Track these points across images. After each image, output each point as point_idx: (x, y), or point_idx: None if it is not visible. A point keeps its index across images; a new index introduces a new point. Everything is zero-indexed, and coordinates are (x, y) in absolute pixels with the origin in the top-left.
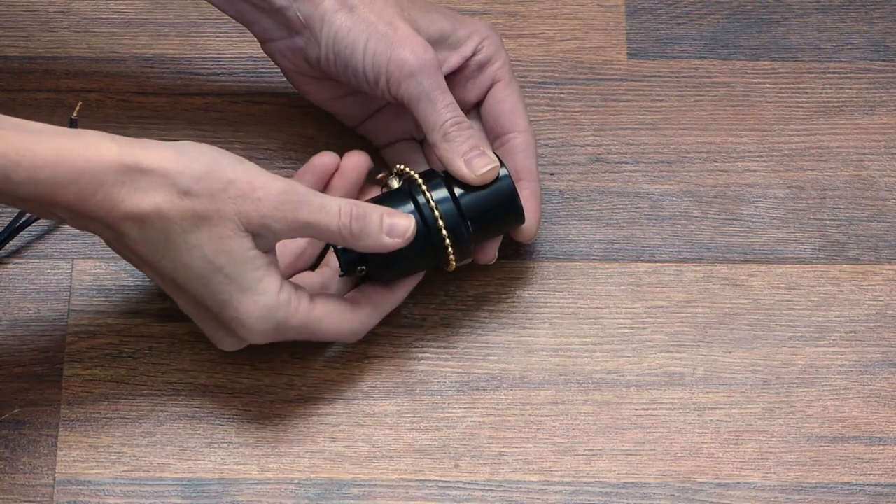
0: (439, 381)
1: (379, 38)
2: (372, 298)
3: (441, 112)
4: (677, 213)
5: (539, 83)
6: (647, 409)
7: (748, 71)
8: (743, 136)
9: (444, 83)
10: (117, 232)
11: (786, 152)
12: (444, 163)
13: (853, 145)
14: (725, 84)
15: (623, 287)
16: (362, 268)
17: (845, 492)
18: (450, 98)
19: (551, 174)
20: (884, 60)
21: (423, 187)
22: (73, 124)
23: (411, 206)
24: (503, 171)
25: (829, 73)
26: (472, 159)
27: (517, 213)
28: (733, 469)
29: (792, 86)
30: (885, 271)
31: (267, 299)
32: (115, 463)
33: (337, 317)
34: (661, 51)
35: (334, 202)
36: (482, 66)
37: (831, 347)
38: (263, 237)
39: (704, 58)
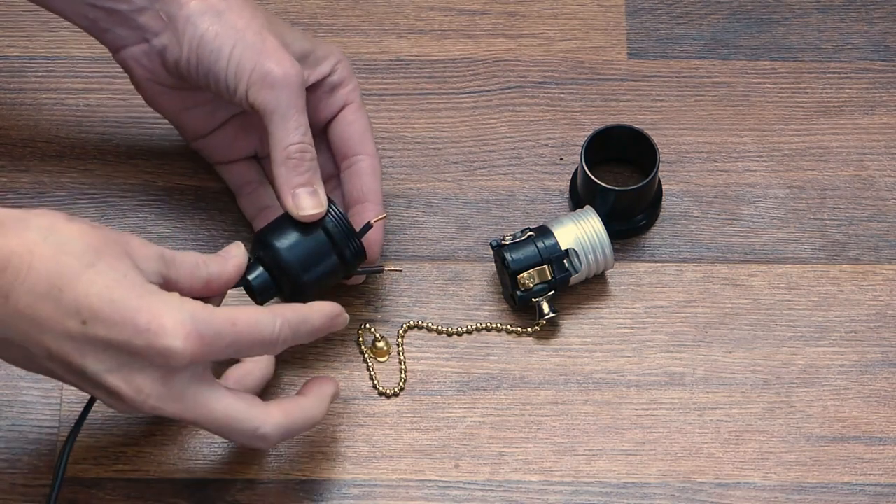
0: (439, 381)
1: (246, 46)
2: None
3: (291, 132)
4: (677, 213)
5: (539, 83)
6: (647, 409)
7: (748, 71)
8: (743, 136)
9: (303, 104)
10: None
11: (786, 152)
12: (274, 187)
13: (853, 145)
14: (725, 84)
15: (623, 287)
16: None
17: (845, 492)
18: (304, 121)
19: (552, 174)
20: (884, 60)
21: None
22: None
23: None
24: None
25: (829, 73)
26: (300, 195)
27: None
28: (733, 469)
29: (792, 86)
30: (885, 271)
31: (174, 299)
32: (115, 463)
33: (256, 311)
34: (661, 51)
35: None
36: (335, 88)
37: (831, 347)
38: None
39: (704, 58)
